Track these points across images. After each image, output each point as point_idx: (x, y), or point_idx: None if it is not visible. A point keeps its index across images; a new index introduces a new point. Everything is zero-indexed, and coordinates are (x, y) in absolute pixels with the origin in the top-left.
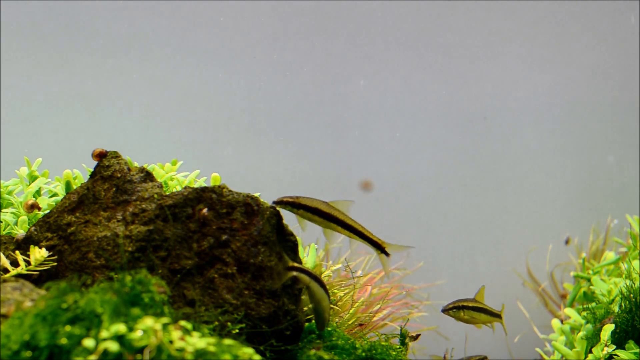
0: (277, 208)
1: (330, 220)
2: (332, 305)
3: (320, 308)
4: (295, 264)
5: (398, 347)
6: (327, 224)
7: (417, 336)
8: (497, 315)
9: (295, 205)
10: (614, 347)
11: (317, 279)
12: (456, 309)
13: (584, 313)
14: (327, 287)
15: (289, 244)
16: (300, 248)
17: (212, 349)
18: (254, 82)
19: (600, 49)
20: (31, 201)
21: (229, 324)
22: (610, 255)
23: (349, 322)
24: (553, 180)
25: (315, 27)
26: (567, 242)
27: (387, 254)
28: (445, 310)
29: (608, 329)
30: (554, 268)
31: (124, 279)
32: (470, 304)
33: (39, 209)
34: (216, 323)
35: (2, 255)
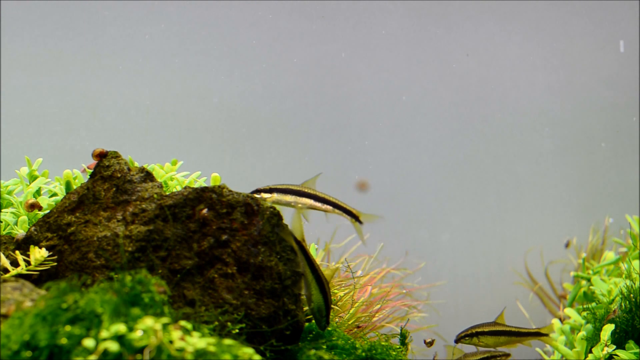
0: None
1: (302, 195)
2: (332, 305)
3: (311, 297)
4: (303, 243)
5: (398, 347)
6: (301, 200)
7: (432, 341)
8: (530, 334)
9: (267, 191)
10: (614, 347)
11: (312, 266)
12: (469, 337)
13: (584, 313)
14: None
15: (288, 244)
16: None
17: (212, 349)
18: (253, 83)
19: (601, 49)
20: (32, 200)
21: (229, 324)
22: (610, 255)
23: (349, 322)
24: (553, 180)
25: (314, 27)
26: (567, 245)
27: (360, 222)
28: (457, 340)
29: (608, 329)
30: (553, 268)
31: (124, 279)
32: (487, 329)
33: (40, 208)
34: (216, 323)
35: (2, 255)
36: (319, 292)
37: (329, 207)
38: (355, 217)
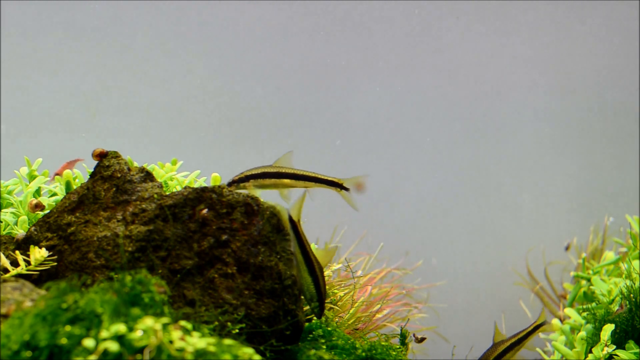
0: (233, 188)
1: (280, 177)
2: (332, 305)
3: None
4: (298, 224)
5: (398, 347)
6: (280, 183)
7: (423, 339)
8: (532, 332)
9: (243, 179)
10: (614, 347)
11: (304, 250)
12: None
13: (584, 313)
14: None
15: (289, 244)
16: None
17: (212, 349)
18: (253, 82)
19: (601, 49)
20: (35, 201)
21: (229, 324)
22: (610, 255)
23: (349, 322)
24: (553, 180)
25: (315, 28)
26: (567, 248)
27: (346, 189)
28: None
29: (608, 329)
30: (554, 268)
31: (124, 279)
32: (492, 357)
33: (43, 208)
34: (216, 323)
35: (2, 255)
36: (309, 274)
37: (310, 183)
38: (339, 185)
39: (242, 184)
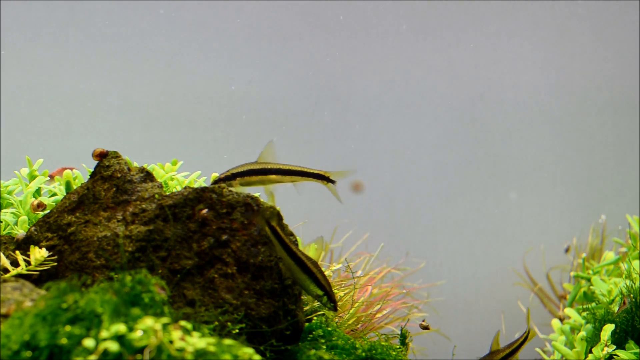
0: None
1: (267, 173)
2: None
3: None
4: (278, 229)
5: (398, 347)
6: (267, 179)
7: (428, 326)
8: (521, 345)
9: (229, 177)
10: (614, 347)
11: (286, 246)
12: None
13: (584, 313)
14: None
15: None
16: (300, 247)
17: (212, 349)
18: (253, 83)
19: (600, 48)
20: (37, 201)
21: (229, 324)
22: (610, 255)
23: (349, 322)
24: (553, 180)
25: (314, 27)
26: (567, 250)
27: (332, 182)
28: None
29: (608, 329)
30: (553, 268)
31: (124, 279)
32: None
33: (45, 208)
34: (216, 323)
35: (2, 255)
36: (302, 272)
37: (297, 177)
38: (325, 178)
39: (227, 182)
